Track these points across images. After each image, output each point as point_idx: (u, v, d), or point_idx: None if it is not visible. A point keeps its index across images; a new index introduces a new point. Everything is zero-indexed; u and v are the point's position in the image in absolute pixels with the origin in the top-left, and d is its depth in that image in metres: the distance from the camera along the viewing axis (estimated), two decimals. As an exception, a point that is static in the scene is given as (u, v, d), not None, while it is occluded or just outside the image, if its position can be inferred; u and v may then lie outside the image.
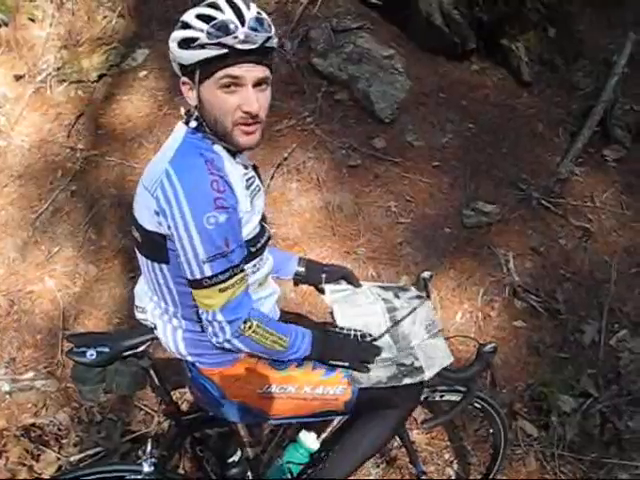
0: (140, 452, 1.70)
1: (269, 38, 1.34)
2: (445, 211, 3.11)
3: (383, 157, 3.24)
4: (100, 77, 3.58)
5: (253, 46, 1.32)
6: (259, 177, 1.58)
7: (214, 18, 1.30)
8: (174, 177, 1.31)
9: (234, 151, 1.47)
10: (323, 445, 1.76)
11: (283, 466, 1.75)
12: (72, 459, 2.34)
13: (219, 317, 1.37)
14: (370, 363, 1.58)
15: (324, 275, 1.84)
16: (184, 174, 1.31)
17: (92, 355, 1.55)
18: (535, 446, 2.44)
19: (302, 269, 1.85)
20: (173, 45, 1.36)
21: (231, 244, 1.34)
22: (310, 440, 1.74)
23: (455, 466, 2.40)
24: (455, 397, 1.88)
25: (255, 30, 1.31)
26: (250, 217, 1.45)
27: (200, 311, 1.41)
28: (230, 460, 1.83)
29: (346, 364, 1.58)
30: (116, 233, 3.07)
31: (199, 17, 1.32)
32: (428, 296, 1.85)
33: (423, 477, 1.96)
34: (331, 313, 1.71)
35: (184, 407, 2.38)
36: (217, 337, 1.40)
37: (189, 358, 1.55)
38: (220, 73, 1.33)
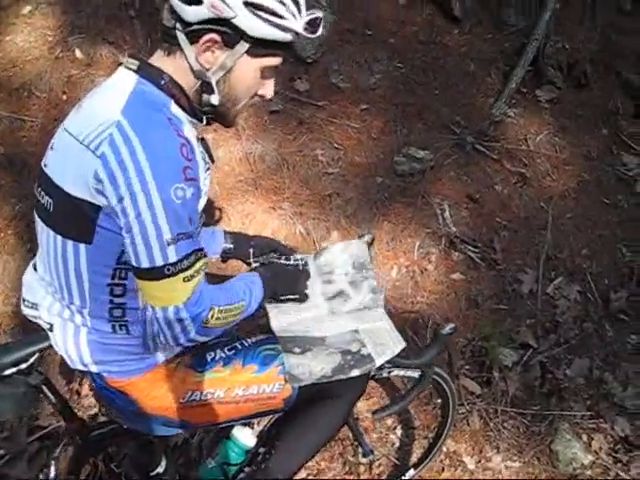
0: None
1: None
2: (376, 158, 2.89)
3: (307, 101, 2.97)
4: (-27, 13, 3.07)
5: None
6: (209, 152, 1.31)
7: (310, 9, 1.16)
8: (131, 132, 1.03)
9: (199, 118, 1.24)
10: (260, 440, 1.54)
11: (217, 468, 1.52)
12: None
13: (183, 314, 1.10)
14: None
15: (252, 250, 1.63)
16: (146, 131, 1.05)
17: None
18: (478, 404, 2.33)
19: (230, 246, 1.63)
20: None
21: (194, 222, 1.11)
22: (245, 436, 1.52)
23: (398, 432, 2.25)
24: (404, 372, 1.69)
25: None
26: (202, 197, 1.20)
27: (148, 312, 1.12)
28: (154, 473, 1.56)
29: (291, 296, 1.46)
30: (7, 198, 2.65)
31: None
32: (370, 260, 1.64)
33: (371, 457, 1.78)
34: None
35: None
36: (177, 339, 1.13)
37: (93, 368, 1.25)
38: (275, 60, 1.19)
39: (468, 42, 3.33)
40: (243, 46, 1.13)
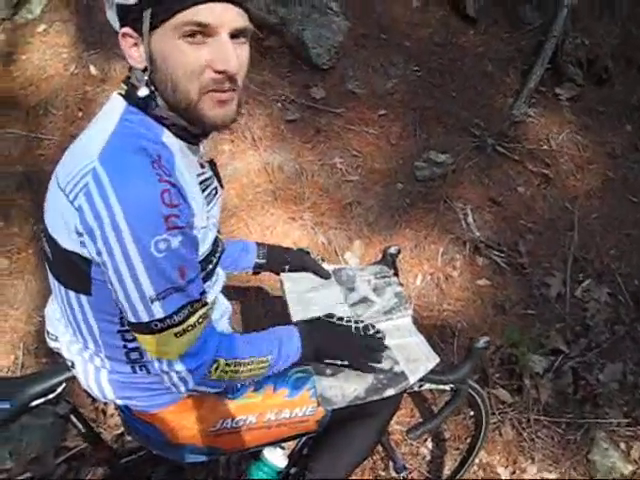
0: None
1: None
2: (395, 164, 2.84)
3: (323, 108, 2.94)
4: (-11, 33, 3.09)
5: None
6: (217, 176, 1.22)
7: None
8: (106, 183, 0.92)
9: (194, 139, 1.11)
10: (291, 460, 1.50)
11: (247, 489, 1.49)
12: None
13: (178, 367, 1.03)
14: (378, 362, 1.31)
15: (287, 266, 1.58)
16: (122, 180, 0.92)
17: None
18: (510, 413, 2.28)
19: (262, 261, 1.57)
20: None
21: (188, 273, 1.00)
22: (276, 457, 1.47)
23: (429, 445, 2.20)
24: (436, 386, 1.64)
25: None
26: (205, 234, 1.10)
27: (149, 358, 1.06)
28: None
29: (346, 363, 1.30)
30: (27, 217, 2.65)
31: None
32: (396, 274, 1.60)
33: (404, 473, 1.74)
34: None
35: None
36: (177, 388, 1.07)
37: (119, 402, 1.21)
38: (181, 16, 0.94)
39: (484, 42, 3.28)
40: (146, 19, 0.96)
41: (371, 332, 1.32)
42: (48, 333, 1.28)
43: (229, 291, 1.39)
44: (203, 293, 1.06)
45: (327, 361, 1.31)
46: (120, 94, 1.06)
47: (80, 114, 2.92)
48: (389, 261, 1.70)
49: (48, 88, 3.00)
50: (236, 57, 0.98)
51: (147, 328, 0.99)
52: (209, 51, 0.97)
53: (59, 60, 3.08)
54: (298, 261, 1.60)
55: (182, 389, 1.07)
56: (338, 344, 1.29)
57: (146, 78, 1.01)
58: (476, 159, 2.88)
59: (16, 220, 2.65)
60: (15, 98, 2.96)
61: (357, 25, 3.16)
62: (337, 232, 2.62)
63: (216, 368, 1.07)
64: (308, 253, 1.65)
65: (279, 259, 1.59)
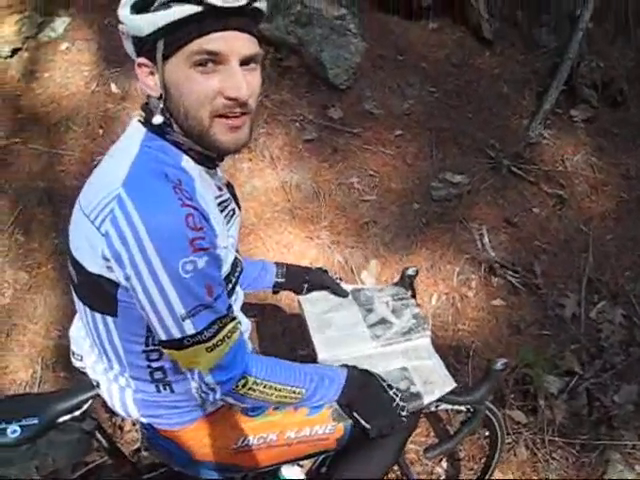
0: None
1: None
2: (412, 184, 2.88)
3: (341, 128, 2.98)
4: (14, 52, 3.18)
5: (237, 3, 0.98)
6: (235, 198, 1.25)
7: None
8: (132, 209, 0.95)
9: (211, 163, 1.14)
10: (308, 477, 1.53)
11: (265, 507, 1.51)
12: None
13: (208, 380, 1.06)
14: (387, 435, 1.31)
15: (306, 285, 1.62)
16: (146, 206, 0.96)
17: (15, 432, 1.21)
18: (524, 433, 2.28)
19: (282, 280, 1.60)
20: (124, 12, 1.00)
21: (215, 290, 1.03)
22: (294, 475, 1.50)
23: (444, 464, 2.22)
24: (452, 406, 1.66)
25: None
26: (226, 254, 1.14)
27: (182, 368, 1.09)
28: None
29: (363, 421, 1.29)
30: (47, 232, 2.69)
31: None
32: (414, 295, 1.63)
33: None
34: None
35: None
36: (207, 396, 1.10)
37: (143, 420, 1.25)
38: (193, 45, 0.98)
39: (500, 64, 3.32)
40: (159, 50, 0.99)
41: (404, 413, 1.31)
42: (73, 353, 1.32)
43: (246, 309, 1.43)
44: (229, 308, 1.09)
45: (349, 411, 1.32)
46: (140, 121, 1.11)
47: (101, 131, 2.98)
48: (407, 282, 1.72)
49: (69, 105, 3.05)
50: (247, 84, 1.01)
51: (180, 344, 1.03)
52: (220, 79, 1.00)
53: (81, 78, 3.14)
54: (317, 280, 1.64)
55: (211, 397, 1.10)
56: (374, 409, 1.29)
57: (161, 106, 1.05)
58: (492, 180, 2.91)
59: (36, 235, 2.70)
60: (37, 115, 3.02)
61: (374, 46, 3.21)
62: (353, 251, 2.65)
63: (244, 384, 1.10)
64: (326, 272, 1.68)
65: (298, 278, 1.62)
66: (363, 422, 1.29)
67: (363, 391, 1.28)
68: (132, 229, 0.95)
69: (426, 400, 1.37)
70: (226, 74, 1.00)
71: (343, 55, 3.07)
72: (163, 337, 1.03)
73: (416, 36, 3.34)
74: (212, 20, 0.97)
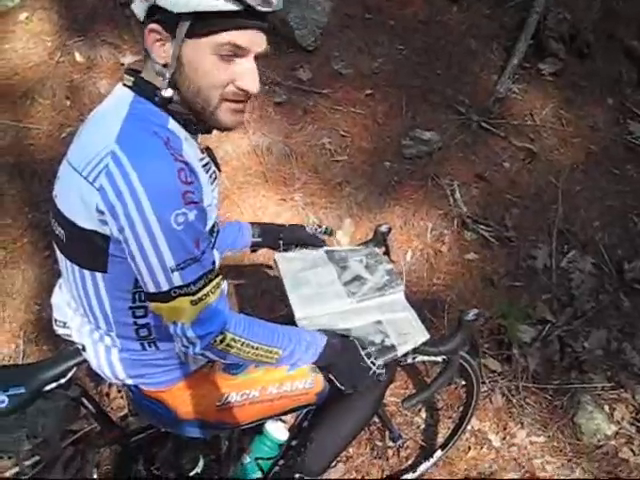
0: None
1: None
2: (383, 143, 2.89)
3: (310, 89, 2.97)
4: (-30, 22, 3.07)
5: (270, 8, 1.03)
6: (215, 161, 1.28)
7: None
8: (126, 163, 0.99)
9: (195, 131, 1.18)
10: (292, 433, 1.57)
11: (251, 464, 1.55)
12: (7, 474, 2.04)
13: (189, 333, 1.09)
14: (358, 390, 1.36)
15: (281, 241, 1.66)
16: (141, 160, 1.00)
17: (2, 402, 1.23)
18: (500, 381, 2.36)
19: (259, 239, 1.65)
20: None
21: (201, 245, 1.07)
22: (278, 430, 1.54)
23: (423, 414, 2.28)
24: (429, 358, 1.70)
25: None
26: (210, 212, 1.17)
27: (163, 322, 1.11)
28: (193, 473, 1.59)
29: (338, 383, 1.35)
30: (20, 207, 2.67)
31: None
32: (387, 252, 1.66)
33: (400, 441, 1.81)
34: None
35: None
36: (187, 349, 1.12)
37: (129, 381, 1.27)
38: (224, 36, 1.02)
39: (468, 19, 3.31)
40: (182, 27, 1.02)
41: (381, 379, 1.36)
42: (56, 321, 1.33)
43: (225, 271, 1.44)
44: (214, 263, 1.13)
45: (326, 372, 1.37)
46: (126, 85, 1.12)
47: (68, 102, 2.92)
48: (380, 239, 1.75)
49: (34, 77, 2.98)
50: (258, 79, 1.10)
51: (166, 296, 1.05)
52: (235, 70, 1.07)
53: (43, 48, 3.07)
54: (292, 235, 1.68)
55: (190, 351, 1.12)
56: (350, 375, 1.34)
57: (168, 75, 1.08)
58: (462, 136, 2.93)
59: (9, 211, 2.67)
60: (0, 88, 2.95)
61: (341, 6, 3.18)
62: (327, 212, 2.67)
63: (222, 339, 1.12)
64: (303, 227, 1.73)
65: (273, 235, 1.67)
66: (338, 384, 1.34)
67: (341, 357, 1.33)
68: (127, 182, 0.98)
69: (400, 351, 1.41)
70: (243, 67, 1.07)
71: (310, 15, 3.04)
72: (152, 289, 1.06)
73: (383, -7, 3.31)
74: (245, 18, 1.02)
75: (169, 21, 1.02)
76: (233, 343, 1.14)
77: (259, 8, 1.01)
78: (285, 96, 2.93)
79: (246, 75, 1.07)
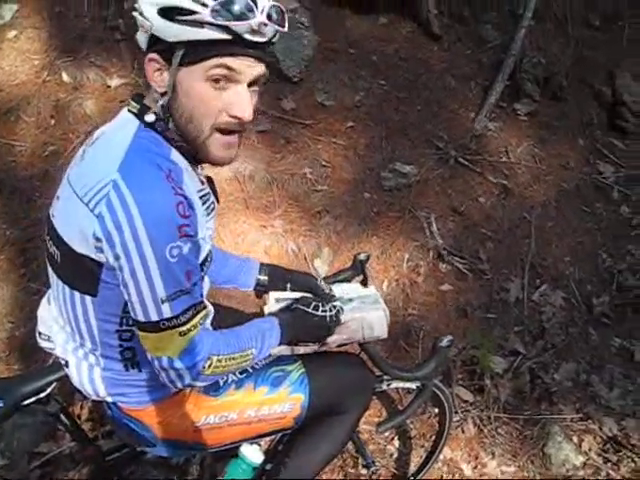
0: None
1: (276, 32, 1.09)
2: (363, 174, 2.96)
3: (293, 120, 3.03)
4: (-42, 39, 3.08)
5: (262, 39, 1.06)
6: (214, 192, 1.29)
7: None
8: (127, 193, 1.01)
9: (196, 161, 1.19)
10: (267, 457, 1.57)
11: (226, 487, 1.55)
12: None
13: (177, 365, 1.10)
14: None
15: (289, 285, 1.61)
16: (142, 191, 1.02)
17: None
18: (472, 411, 2.39)
19: (265, 278, 1.60)
20: (150, 10, 1.04)
21: (192, 277, 1.09)
22: (253, 454, 1.54)
23: (396, 443, 2.30)
24: (403, 384, 1.74)
25: (270, 19, 1.05)
26: (203, 245, 1.18)
27: (149, 356, 1.12)
28: None
29: (311, 344, 1.43)
30: (-1, 224, 2.66)
31: None
32: (365, 279, 1.69)
33: (373, 468, 1.82)
34: None
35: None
36: (174, 383, 1.13)
37: (109, 399, 1.28)
38: (214, 61, 1.05)
39: (448, 58, 3.43)
40: (177, 56, 1.06)
41: (330, 315, 1.40)
42: (40, 334, 1.34)
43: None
44: (202, 295, 1.15)
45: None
46: (131, 112, 1.15)
47: (52, 121, 2.93)
48: (359, 267, 1.76)
49: (19, 94, 2.99)
50: (252, 106, 1.11)
51: (155, 327, 1.07)
52: (229, 96, 1.08)
53: (30, 67, 3.08)
54: (301, 279, 1.62)
55: (179, 385, 1.14)
56: (310, 332, 1.39)
57: (161, 102, 1.11)
58: (439, 170, 3.02)
59: (-13, 228, 2.66)
60: (-16, 104, 2.96)
61: (326, 39, 3.27)
62: (307, 240, 2.71)
63: (209, 365, 1.14)
64: (312, 277, 1.67)
65: (282, 277, 1.62)
66: (309, 349, 1.42)
67: (295, 325, 1.35)
68: (126, 212, 1.01)
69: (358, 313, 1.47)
70: (235, 93, 1.08)
71: (296, 48, 3.12)
72: (141, 318, 1.07)
73: (367, 30, 3.42)
74: (237, 47, 1.05)
75: (166, 50, 1.07)
76: (219, 364, 1.16)
77: (248, 37, 1.04)
78: (268, 125, 2.98)
79: (237, 101, 1.08)
